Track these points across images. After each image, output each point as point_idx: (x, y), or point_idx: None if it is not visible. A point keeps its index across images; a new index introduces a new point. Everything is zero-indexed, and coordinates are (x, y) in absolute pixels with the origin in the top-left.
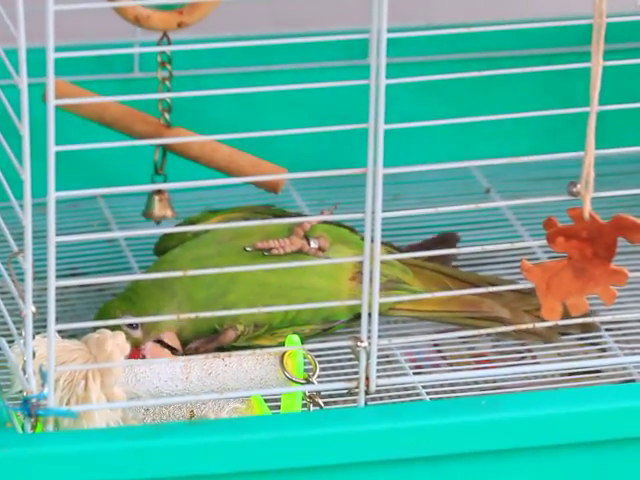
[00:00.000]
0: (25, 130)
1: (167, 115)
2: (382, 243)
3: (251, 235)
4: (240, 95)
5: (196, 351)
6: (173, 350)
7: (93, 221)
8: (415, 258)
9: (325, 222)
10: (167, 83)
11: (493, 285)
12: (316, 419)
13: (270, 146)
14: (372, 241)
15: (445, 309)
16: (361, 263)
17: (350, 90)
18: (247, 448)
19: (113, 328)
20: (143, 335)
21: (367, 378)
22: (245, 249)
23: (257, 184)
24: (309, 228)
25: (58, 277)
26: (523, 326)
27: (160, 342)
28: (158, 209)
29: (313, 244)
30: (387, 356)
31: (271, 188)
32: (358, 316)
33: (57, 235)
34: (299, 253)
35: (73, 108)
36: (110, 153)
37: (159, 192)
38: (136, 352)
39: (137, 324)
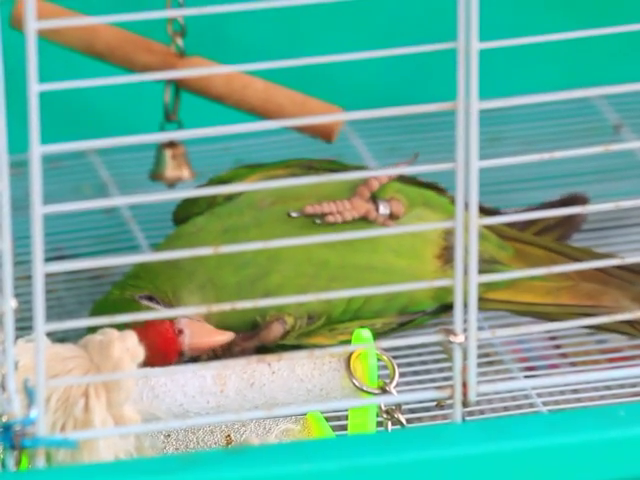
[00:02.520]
0: None
1: (179, 40)
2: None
3: (301, 198)
4: (276, 10)
5: (229, 348)
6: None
7: (84, 184)
8: (522, 230)
9: (400, 179)
10: None
11: (625, 268)
12: (398, 441)
13: (319, 79)
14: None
15: (554, 301)
16: (450, 234)
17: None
18: None
19: (120, 327)
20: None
21: (464, 384)
22: (290, 215)
23: (303, 129)
24: (378, 187)
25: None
26: None
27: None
28: (171, 168)
29: (383, 209)
30: (488, 354)
31: (322, 134)
32: (446, 307)
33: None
34: (364, 221)
35: (54, 35)
36: (105, 93)
37: (172, 145)
38: (169, 325)
39: (158, 300)
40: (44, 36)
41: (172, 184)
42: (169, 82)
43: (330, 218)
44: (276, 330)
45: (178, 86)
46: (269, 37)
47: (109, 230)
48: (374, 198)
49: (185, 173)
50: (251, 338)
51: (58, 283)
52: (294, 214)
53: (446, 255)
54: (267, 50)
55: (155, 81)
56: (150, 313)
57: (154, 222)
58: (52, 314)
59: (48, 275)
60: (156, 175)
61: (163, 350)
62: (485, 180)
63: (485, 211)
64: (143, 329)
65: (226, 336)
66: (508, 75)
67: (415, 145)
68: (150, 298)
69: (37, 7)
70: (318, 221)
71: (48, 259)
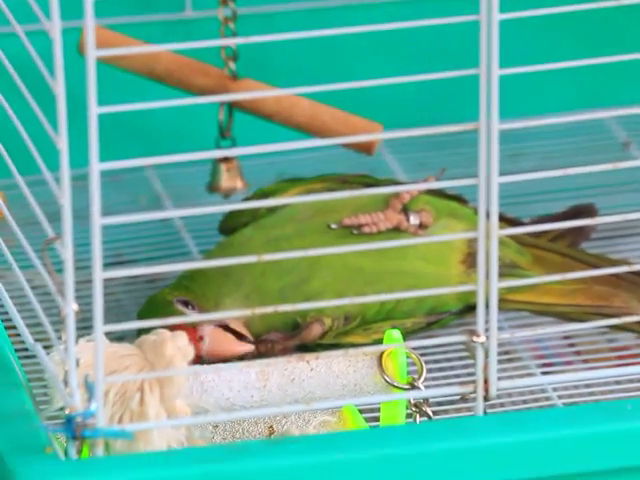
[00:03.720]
0: (60, 88)
1: (232, 64)
2: (500, 216)
3: (338, 210)
4: (320, 37)
5: (272, 347)
6: (241, 337)
7: (141, 196)
8: (538, 236)
9: (429, 192)
10: (230, 25)
11: (633, 272)
12: (425, 432)
13: (359, 99)
14: (488, 213)
15: (570, 302)
16: (474, 242)
17: (454, 28)
18: (342, 471)
19: (172, 328)
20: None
21: (486, 380)
22: (329, 226)
23: (346, 144)
24: (409, 200)
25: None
26: None
27: (225, 327)
28: (226, 180)
29: (413, 220)
30: (507, 352)
31: (363, 149)
32: (470, 307)
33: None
34: (396, 231)
35: (117, 60)
36: (163, 114)
37: (226, 159)
38: (192, 331)
39: (193, 305)
40: (109, 62)
41: (228, 195)
42: (223, 103)
43: (366, 229)
44: (315, 330)
45: (231, 106)
46: (312, 61)
47: (163, 238)
48: (405, 209)
49: (239, 184)
50: (292, 338)
51: (117, 286)
52: (333, 226)
53: (469, 260)
54: (311, 72)
55: (210, 102)
56: (203, 315)
57: (204, 231)
58: (111, 315)
59: (107, 279)
60: (213, 187)
61: None
62: (505, 192)
63: (506, 220)
64: (169, 330)
65: (246, 347)
66: (526, 96)
67: (442, 160)
68: (186, 303)
69: (104, 35)
70: (355, 231)
71: (108, 264)
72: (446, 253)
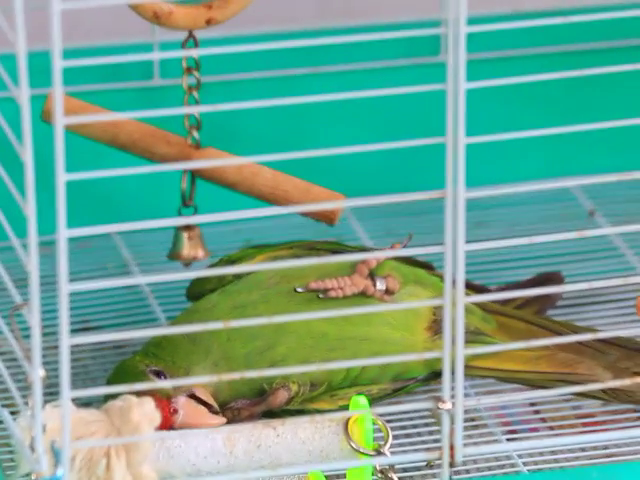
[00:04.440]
0: (28, 155)
1: (195, 133)
2: (466, 284)
3: (303, 277)
4: (283, 106)
5: (239, 413)
6: (208, 407)
7: (108, 263)
8: (504, 304)
9: (395, 258)
10: (194, 93)
11: (598, 340)
12: None
13: (322, 167)
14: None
15: (534, 369)
16: (439, 309)
17: (420, 96)
18: None
19: (137, 394)
20: (173, 388)
21: (452, 447)
22: (295, 290)
23: (308, 214)
24: (375, 265)
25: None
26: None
27: (192, 397)
28: (187, 249)
29: (380, 285)
30: (473, 419)
31: (325, 218)
32: (435, 374)
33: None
34: (362, 296)
35: (80, 129)
36: (127, 181)
37: (188, 228)
38: (166, 404)
39: (165, 375)
40: (72, 130)
41: (188, 263)
42: (186, 171)
43: (332, 293)
44: (281, 396)
45: (194, 174)
46: (276, 130)
47: (130, 304)
48: (372, 275)
49: (200, 253)
50: (259, 404)
51: (83, 352)
52: (299, 289)
53: (435, 327)
54: (274, 141)
55: (173, 170)
56: (164, 382)
57: (171, 297)
58: (78, 381)
59: (74, 346)
60: (174, 255)
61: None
62: (471, 260)
63: (472, 287)
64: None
65: (217, 421)
66: (492, 164)
67: (409, 227)
68: (158, 374)
69: (68, 103)
70: (321, 295)
71: (75, 330)
72: (412, 320)
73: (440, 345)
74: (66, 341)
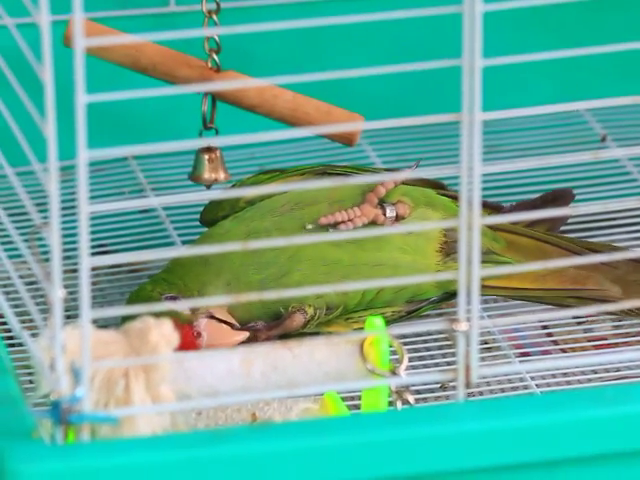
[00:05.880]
0: (48, 75)
1: (215, 56)
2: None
3: (315, 203)
4: (302, 29)
5: (256, 336)
6: (229, 325)
7: (125, 187)
8: (514, 222)
9: (406, 182)
10: (214, 17)
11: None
12: (406, 419)
13: (341, 92)
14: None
15: (541, 286)
16: (450, 231)
17: (437, 20)
18: (324, 456)
19: (156, 315)
20: (191, 313)
21: (467, 367)
22: (305, 227)
23: (328, 135)
24: (384, 193)
25: None
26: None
27: (212, 317)
28: (209, 170)
29: (389, 212)
30: (486, 342)
31: (345, 140)
32: (449, 295)
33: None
34: (372, 225)
35: (101, 52)
36: (148, 104)
37: (209, 150)
38: (188, 329)
39: (180, 299)
40: (94, 54)
41: (209, 185)
42: (207, 94)
43: (342, 226)
44: (298, 320)
45: (215, 97)
46: (295, 52)
47: (146, 229)
48: (381, 203)
49: (221, 175)
50: (275, 327)
51: (101, 276)
52: (309, 226)
53: (446, 249)
54: (293, 63)
55: (194, 93)
56: (182, 303)
57: (187, 221)
58: (95, 304)
59: (92, 269)
60: (195, 177)
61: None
62: (482, 183)
63: (486, 205)
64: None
65: (242, 336)
66: (506, 88)
67: (422, 151)
68: (174, 299)
69: (90, 27)
70: (332, 230)
71: (91, 254)
72: (423, 243)
73: (452, 266)
74: (86, 261)
